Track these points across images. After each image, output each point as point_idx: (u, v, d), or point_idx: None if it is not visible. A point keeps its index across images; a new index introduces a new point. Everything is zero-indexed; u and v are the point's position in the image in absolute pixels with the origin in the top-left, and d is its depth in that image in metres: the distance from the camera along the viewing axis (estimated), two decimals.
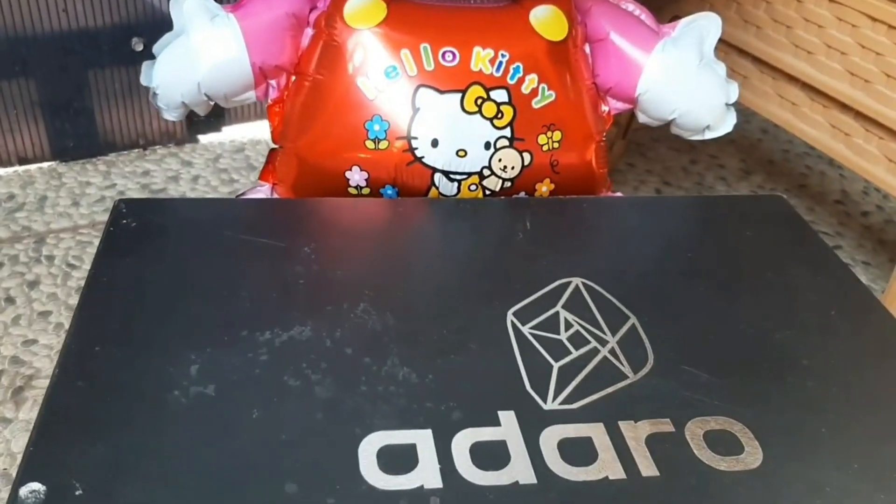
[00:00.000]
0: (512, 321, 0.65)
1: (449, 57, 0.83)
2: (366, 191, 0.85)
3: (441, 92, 0.82)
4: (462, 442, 0.54)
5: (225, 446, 0.53)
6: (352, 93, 0.83)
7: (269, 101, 0.90)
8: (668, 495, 0.53)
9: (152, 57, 0.88)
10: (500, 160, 0.84)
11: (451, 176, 0.84)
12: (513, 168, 0.85)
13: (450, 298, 0.68)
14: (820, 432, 0.58)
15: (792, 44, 1.13)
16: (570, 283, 0.70)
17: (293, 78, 0.88)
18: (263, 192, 0.92)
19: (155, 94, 0.88)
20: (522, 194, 0.87)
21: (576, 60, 0.88)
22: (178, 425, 0.54)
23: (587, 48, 0.90)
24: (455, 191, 0.84)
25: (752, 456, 0.56)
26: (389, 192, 0.84)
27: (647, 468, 0.54)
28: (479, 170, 0.84)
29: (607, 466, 0.54)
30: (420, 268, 0.72)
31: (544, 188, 0.87)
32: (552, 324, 0.65)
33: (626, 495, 0.52)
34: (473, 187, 0.84)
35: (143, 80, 0.87)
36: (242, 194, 0.93)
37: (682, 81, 0.89)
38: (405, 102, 0.82)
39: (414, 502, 0.51)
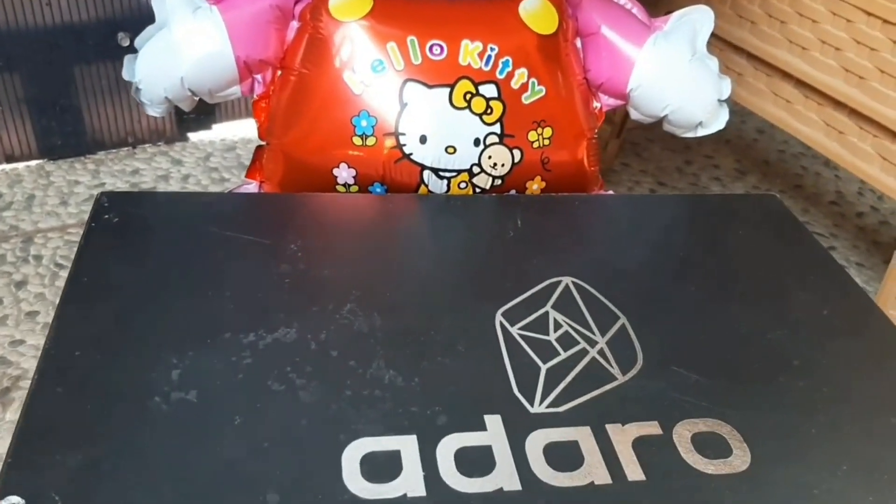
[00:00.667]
0: (501, 322, 0.64)
1: (436, 50, 0.81)
2: (354, 189, 0.83)
3: (429, 86, 0.81)
4: (447, 448, 0.54)
5: (206, 455, 0.52)
6: (338, 87, 0.82)
7: (255, 96, 0.89)
8: (654, 500, 0.52)
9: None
10: (489, 157, 0.83)
11: (441, 173, 0.82)
12: (503, 165, 0.83)
13: (438, 298, 0.67)
14: (810, 434, 0.57)
15: (786, 39, 1.12)
16: (560, 282, 0.69)
17: (279, 72, 0.87)
18: (251, 190, 0.91)
19: (137, 88, 0.86)
20: (513, 192, 0.85)
21: (566, 55, 0.87)
22: (159, 433, 0.53)
23: (578, 42, 0.89)
24: (445, 189, 0.83)
25: (741, 459, 0.55)
26: (378, 189, 0.83)
27: (634, 472, 0.53)
28: (468, 167, 0.83)
29: (593, 471, 0.53)
30: (408, 267, 0.71)
31: (535, 186, 0.86)
32: (541, 324, 0.65)
33: (612, 501, 0.51)
34: (463, 185, 0.83)
35: (126, 75, 0.86)
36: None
37: (674, 76, 0.88)
38: (392, 97, 0.81)
39: None
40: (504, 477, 0.52)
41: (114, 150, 1.49)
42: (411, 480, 0.51)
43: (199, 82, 0.85)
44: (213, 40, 0.83)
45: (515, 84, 0.83)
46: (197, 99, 0.88)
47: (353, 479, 0.51)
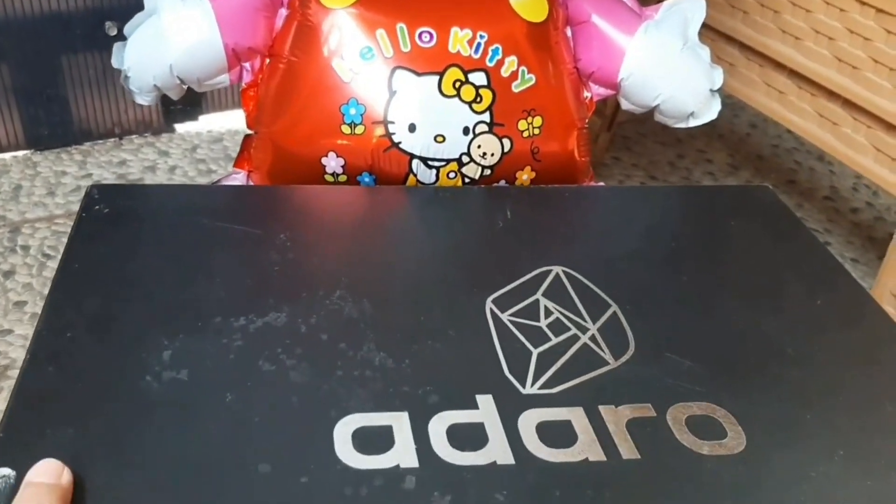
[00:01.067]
0: (491, 308, 0.64)
1: (426, 37, 0.81)
2: (342, 178, 0.83)
3: (418, 74, 0.81)
4: (439, 424, 0.53)
5: (197, 429, 0.52)
6: (327, 75, 0.82)
7: (244, 84, 0.88)
8: (649, 478, 0.52)
9: None
10: (479, 146, 0.82)
11: (430, 162, 0.82)
12: (492, 155, 0.83)
13: (428, 286, 0.66)
14: (805, 421, 0.57)
15: (779, 29, 1.12)
16: (550, 271, 0.68)
17: (267, 60, 0.86)
18: (239, 179, 0.90)
19: (126, 76, 0.86)
20: (502, 182, 0.85)
21: (556, 43, 0.87)
22: (151, 409, 0.53)
23: (568, 31, 0.89)
24: (433, 178, 0.83)
25: (736, 441, 0.54)
26: (367, 179, 0.83)
27: (628, 451, 0.53)
28: (457, 156, 0.82)
29: (587, 449, 0.53)
30: (398, 256, 0.71)
31: (525, 176, 0.86)
32: (532, 311, 0.64)
33: (607, 477, 0.51)
34: (452, 174, 0.83)
35: (115, 62, 0.86)
36: (217, 182, 0.92)
37: (665, 66, 0.88)
38: (381, 85, 0.81)
39: (389, 481, 0.50)
40: (497, 452, 0.52)
41: (101, 141, 1.49)
42: (403, 453, 0.51)
43: (188, 70, 0.84)
44: (202, 28, 0.83)
45: (505, 72, 0.83)
46: (185, 87, 0.87)
47: (345, 451, 0.51)
